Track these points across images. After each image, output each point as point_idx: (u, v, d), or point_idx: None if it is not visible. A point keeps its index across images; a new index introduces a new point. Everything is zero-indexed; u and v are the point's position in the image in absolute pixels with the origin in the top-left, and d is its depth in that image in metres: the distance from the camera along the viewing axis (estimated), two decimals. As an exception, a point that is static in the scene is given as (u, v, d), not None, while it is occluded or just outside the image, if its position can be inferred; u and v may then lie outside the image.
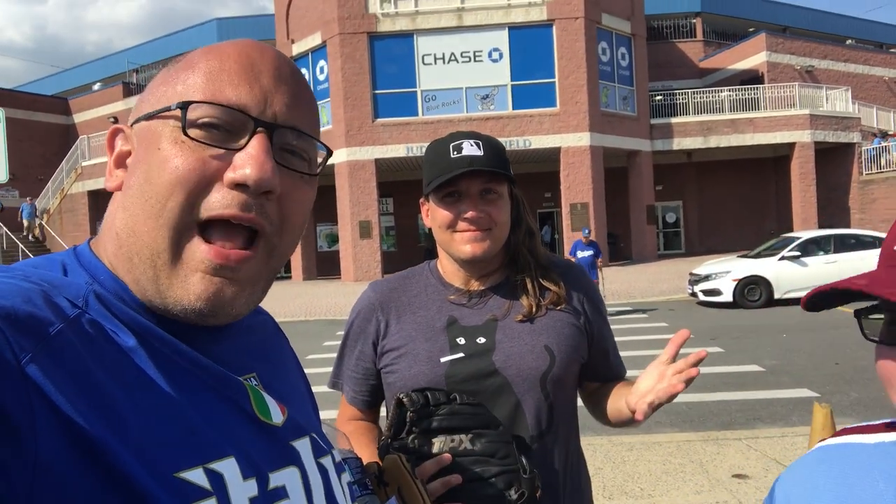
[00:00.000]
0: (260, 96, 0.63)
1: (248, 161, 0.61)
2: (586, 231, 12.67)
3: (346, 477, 0.81)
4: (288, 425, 0.70)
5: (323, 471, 0.73)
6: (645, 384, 1.18)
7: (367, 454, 1.29)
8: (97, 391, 0.53)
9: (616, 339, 1.50)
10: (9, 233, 22.94)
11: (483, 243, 1.32)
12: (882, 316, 0.67)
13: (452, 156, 1.31)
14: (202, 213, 0.61)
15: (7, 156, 6.54)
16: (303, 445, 0.71)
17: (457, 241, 1.33)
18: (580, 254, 12.02)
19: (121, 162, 0.67)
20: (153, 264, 0.61)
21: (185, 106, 0.61)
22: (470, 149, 1.32)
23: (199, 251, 0.61)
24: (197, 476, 0.56)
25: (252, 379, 0.70)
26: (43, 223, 25.77)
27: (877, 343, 0.69)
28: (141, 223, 0.61)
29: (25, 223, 24.48)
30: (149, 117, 0.64)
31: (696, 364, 1.12)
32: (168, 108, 0.62)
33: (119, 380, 0.55)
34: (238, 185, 0.61)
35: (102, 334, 0.57)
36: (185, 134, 0.61)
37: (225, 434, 0.61)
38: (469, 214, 1.31)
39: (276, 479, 0.64)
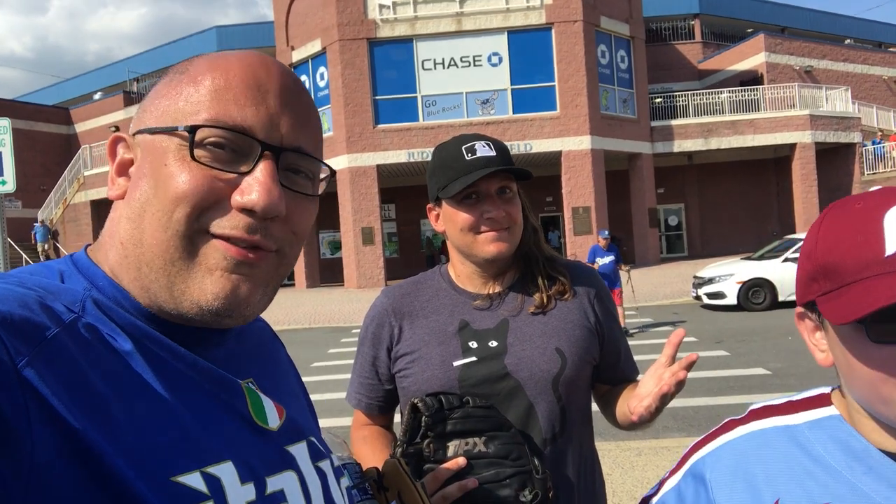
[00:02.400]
0: (266, 118, 0.63)
1: (256, 187, 0.62)
2: (605, 233, 11.08)
3: (346, 481, 0.82)
4: (285, 429, 0.70)
5: (321, 475, 0.73)
6: (644, 388, 1.18)
7: (382, 460, 1.29)
8: (93, 395, 0.53)
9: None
10: (13, 244, 22.97)
11: (505, 242, 1.34)
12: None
13: (468, 158, 1.33)
14: (210, 228, 0.62)
15: (14, 166, 6.56)
16: (300, 449, 0.71)
17: (480, 241, 1.34)
18: (600, 260, 10.83)
19: (123, 170, 0.67)
20: (167, 272, 0.61)
21: (192, 130, 0.61)
22: (483, 149, 1.34)
23: (218, 249, 0.62)
24: (194, 480, 0.56)
25: (250, 384, 0.70)
26: (58, 244, 25.61)
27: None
28: (149, 235, 0.61)
29: (40, 246, 24.25)
30: (153, 132, 0.64)
31: (688, 368, 1.12)
32: (175, 129, 0.62)
33: (115, 384, 0.55)
34: (245, 210, 0.62)
35: (99, 338, 0.57)
36: (192, 157, 0.61)
37: (222, 438, 0.61)
38: (493, 214, 1.32)
39: (273, 483, 0.64)
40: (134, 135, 0.66)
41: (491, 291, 1.40)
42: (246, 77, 0.64)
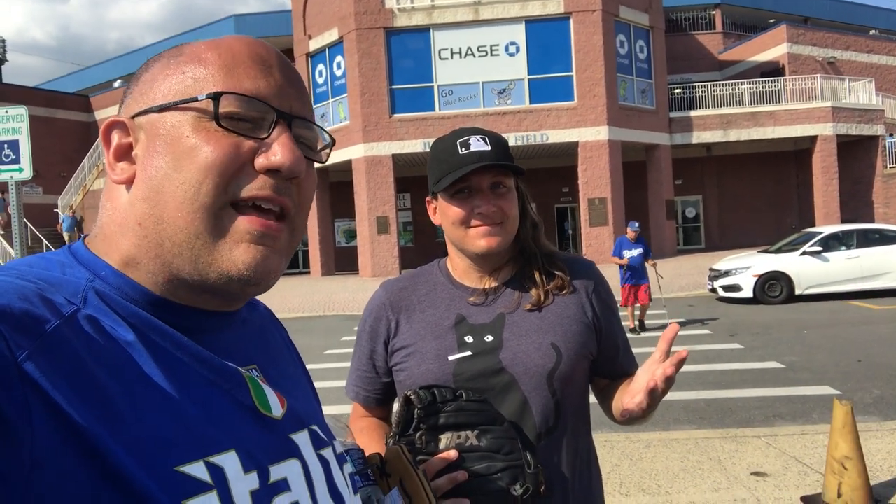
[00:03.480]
0: (276, 89, 0.66)
1: (281, 149, 0.64)
2: (635, 225, 10.34)
3: (349, 468, 0.82)
4: (288, 417, 0.70)
5: (324, 462, 0.73)
6: (637, 384, 1.18)
7: (378, 451, 1.30)
8: (94, 387, 0.53)
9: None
10: (34, 228, 23.28)
11: (497, 237, 1.33)
12: None
13: (461, 152, 1.32)
14: (240, 193, 0.63)
15: (31, 153, 6.65)
16: (303, 437, 0.71)
17: (471, 235, 1.34)
18: (627, 253, 10.14)
19: (122, 155, 0.67)
20: (191, 246, 0.62)
21: (216, 97, 0.63)
22: (477, 144, 1.33)
23: (244, 222, 0.64)
24: (197, 470, 0.56)
25: (253, 370, 0.71)
26: (83, 234, 25.87)
27: None
28: (172, 210, 0.62)
29: (66, 235, 24.49)
30: (162, 109, 0.64)
31: (678, 365, 1.10)
32: (193, 99, 0.63)
33: (117, 375, 0.55)
34: (270, 171, 0.64)
35: (100, 330, 0.57)
36: (219, 124, 0.63)
37: (225, 428, 0.61)
38: (483, 209, 1.32)
39: (276, 471, 0.64)
40: (134, 117, 0.66)
41: (487, 286, 1.40)
42: (251, 53, 0.67)
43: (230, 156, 0.62)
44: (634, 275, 10.20)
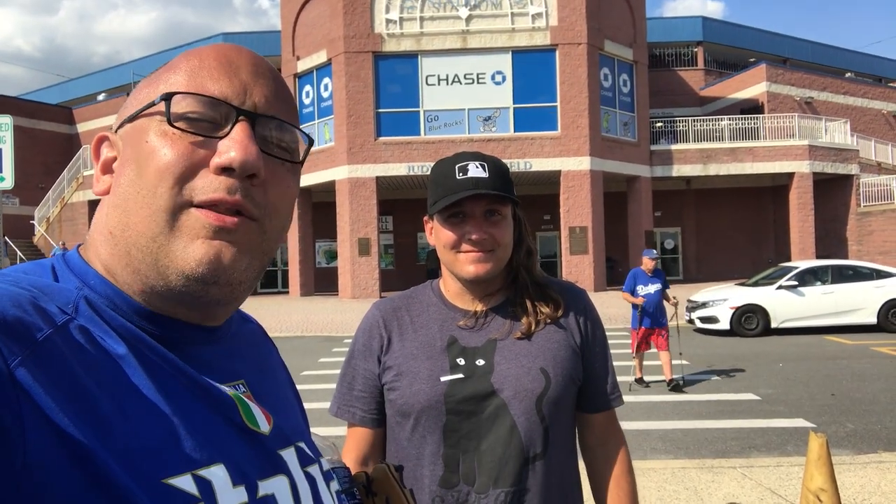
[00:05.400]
0: (240, 88, 0.65)
1: (233, 145, 0.62)
2: (653, 253, 8.14)
3: (335, 486, 0.81)
4: (275, 434, 0.70)
5: (311, 479, 0.73)
6: None
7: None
8: (85, 397, 0.53)
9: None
10: (8, 240, 22.91)
11: (486, 264, 1.33)
12: None
13: (458, 177, 1.33)
14: (192, 197, 0.62)
15: (13, 163, 6.58)
16: (290, 454, 0.71)
17: (461, 261, 1.34)
18: (642, 290, 7.91)
19: (107, 168, 0.68)
20: (151, 249, 0.62)
21: (168, 97, 0.63)
22: (475, 171, 1.33)
23: (198, 217, 0.62)
24: (185, 482, 0.56)
25: (240, 386, 0.71)
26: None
27: None
28: (134, 215, 0.62)
29: None
30: (133, 118, 0.65)
31: None
32: (152, 104, 0.64)
33: (107, 386, 0.55)
34: (224, 170, 0.62)
35: (91, 341, 0.57)
36: (171, 124, 0.62)
37: (213, 441, 0.61)
38: (474, 236, 1.32)
39: (264, 487, 0.64)
40: (116, 130, 0.68)
41: (479, 310, 1.41)
42: (218, 56, 0.67)
43: (183, 156, 0.62)
44: (652, 316, 8.04)
